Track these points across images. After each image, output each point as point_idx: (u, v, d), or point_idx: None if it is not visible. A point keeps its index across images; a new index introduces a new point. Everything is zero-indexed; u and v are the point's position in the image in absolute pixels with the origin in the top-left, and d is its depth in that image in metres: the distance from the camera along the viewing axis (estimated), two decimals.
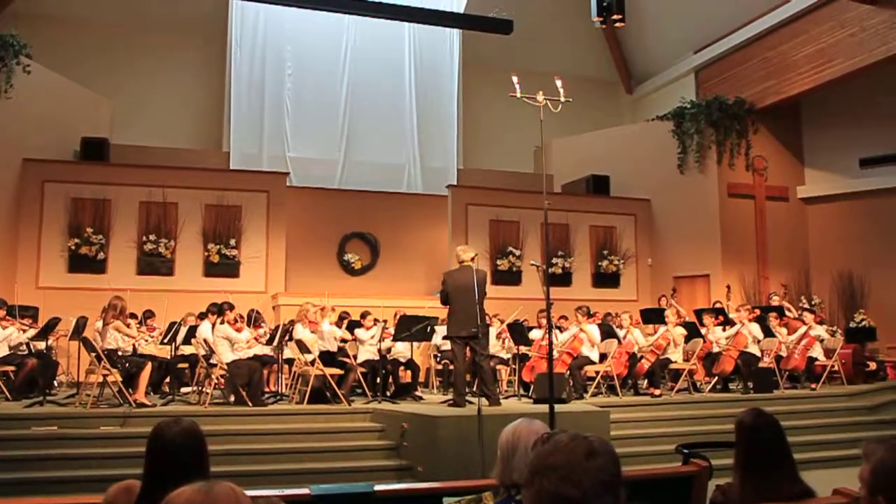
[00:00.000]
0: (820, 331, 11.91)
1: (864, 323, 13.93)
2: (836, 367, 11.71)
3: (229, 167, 15.12)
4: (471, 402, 8.12)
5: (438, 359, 11.86)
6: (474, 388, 8.89)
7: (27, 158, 12.71)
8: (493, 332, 11.05)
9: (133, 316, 10.34)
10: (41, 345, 10.34)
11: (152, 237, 13.03)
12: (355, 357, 10.19)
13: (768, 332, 11.43)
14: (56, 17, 14.72)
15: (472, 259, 8.68)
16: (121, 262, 12.91)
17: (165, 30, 15.66)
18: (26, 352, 10.09)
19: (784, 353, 11.64)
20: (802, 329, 11.76)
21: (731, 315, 11.92)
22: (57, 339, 10.80)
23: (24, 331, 10.05)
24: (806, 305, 13.96)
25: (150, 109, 15.46)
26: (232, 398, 9.32)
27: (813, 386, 11.33)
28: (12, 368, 9.61)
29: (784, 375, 11.40)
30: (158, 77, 15.66)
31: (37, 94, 12.84)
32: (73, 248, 12.64)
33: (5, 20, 13.54)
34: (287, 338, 10.00)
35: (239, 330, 9.57)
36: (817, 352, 11.66)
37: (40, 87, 12.93)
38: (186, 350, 10.50)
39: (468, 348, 8.44)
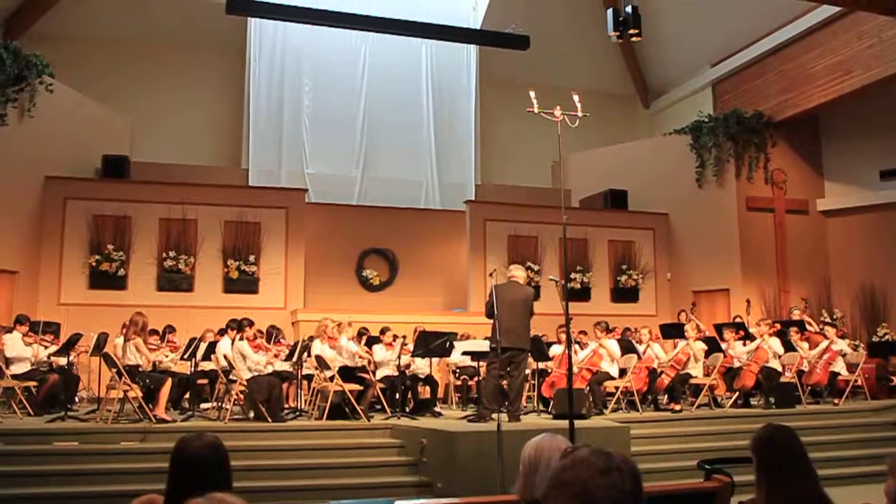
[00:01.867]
0: (842, 345, 11.80)
1: (886, 337, 13.79)
2: (859, 382, 11.59)
3: (248, 184, 15.21)
4: (492, 418, 8.10)
5: (457, 374, 11.84)
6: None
7: (49, 176, 12.85)
8: None
9: (154, 332, 10.41)
10: (63, 361, 10.42)
11: (172, 254, 13.12)
12: (374, 373, 10.19)
13: (789, 347, 11.32)
14: (77, 37, 14.89)
15: (491, 274, 8.77)
16: (141, 279, 12.99)
17: (185, 47, 15.80)
18: (48, 368, 10.17)
19: (806, 368, 11.52)
20: (824, 343, 11.65)
21: (752, 330, 11.83)
22: (78, 354, 10.88)
23: (46, 347, 10.14)
24: (827, 319, 13.85)
25: (169, 127, 15.58)
26: (251, 414, 9.33)
27: (836, 401, 11.21)
28: (34, 384, 9.70)
29: (806, 390, 11.29)
30: (178, 94, 15.79)
31: (59, 113, 12.99)
32: (94, 264, 12.74)
33: (28, 40, 13.70)
34: (306, 354, 10.02)
35: (258, 347, 9.59)
36: (840, 366, 11.54)
37: (62, 105, 13.08)
38: (206, 366, 10.54)
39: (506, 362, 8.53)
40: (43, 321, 10.59)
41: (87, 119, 13.77)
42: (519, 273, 9.00)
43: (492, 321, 8.45)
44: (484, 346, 9.29)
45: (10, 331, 9.88)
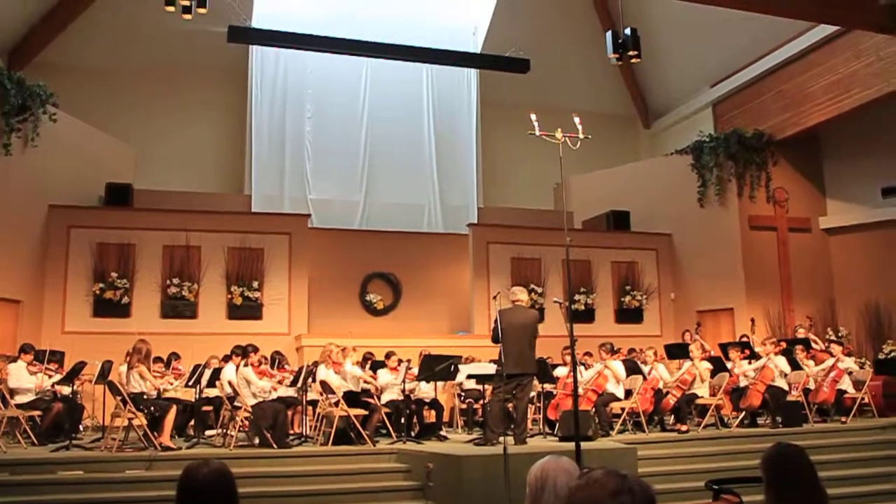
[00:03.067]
0: (848, 362, 11.75)
1: (892, 354, 13.73)
2: (866, 400, 11.53)
3: (251, 210, 15.26)
4: (498, 441, 8.07)
5: (462, 398, 11.80)
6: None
7: (53, 205, 12.90)
8: None
9: (158, 359, 10.39)
10: (67, 389, 10.40)
11: (176, 280, 13.13)
12: (379, 397, 10.16)
13: (795, 365, 11.28)
14: (80, 66, 15.00)
15: (495, 297, 8.79)
16: (145, 306, 13.00)
17: (187, 75, 15.91)
18: (52, 396, 10.15)
19: (812, 386, 11.47)
20: (830, 361, 11.60)
21: (757, 348, 11.78)
22: (82, 383, 10.86)
23: (51, 375, 10.12)
24: (833, 337, 13.80)
25: (172, 154, 15.66)
26: (256, 440, 9.30)
27: (843, 419, 11.15)
28: (39, 413, 9.66)
29: (813, 409, 11.24)
30: (180, 122, 15.90)
31: (62, 142, 13.06)
32: (97, 292, 12.76)
33: (32, 70, 13.83)
34: (311, 379, 10.00)
35: (262, 373, 9.57)
36: (846, 384, 11.48)
37: (66, 134, 13.16)
38: (211, 393, 10.52)
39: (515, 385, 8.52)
40: (47, 350, 10.59)
41: (90, 148, 13.84)
42: (523, 296, 9.02)
43: (498, 346, 8.46)
44: (489, 368, 9.29)
45: (14, 360, 9.87)
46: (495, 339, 8.53)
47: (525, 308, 8.95)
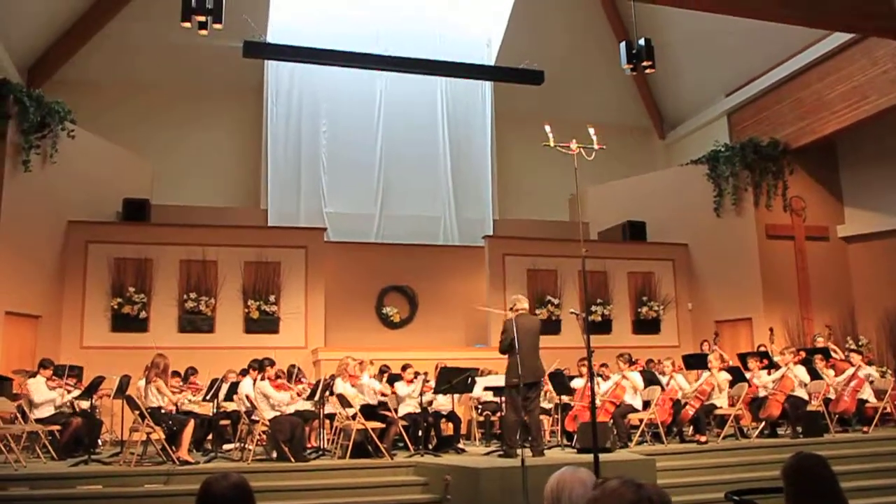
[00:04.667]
0: (869, 371, 11.63)
1: None
2: (888, 409, 11.41)
3: (267, 224, 15.32)
4: (517, 454, 8.05)
5: (480, 410, 11.78)
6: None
7: (72, 220, 13.02)
8: None
9: (176, 374, 10.43)
10: (86, 404, 10.46)
11: (193, 295, 13.19)
12: (396, 410, 10.15)
13: (815, 375, 11.18)
14: (98, 83, 15.16)
15: (512, 308, 8.78)
16: (162, 321, 13.06)
17: (203, 91, 16.05)
18: (71, 411, 10.21)
19: (833, 396, 11.36)
20: (850, 370, 11.49)
21: (776, 358, 11.70)
22: (101, 397, 10.91)
23: (70, 390, 10.18)
24: (852, 346, 13.68)
25: (189, 169, 15.76)
26: (274, 454, 9.31)
27: (865, 429, 11.04)
28: (58, 428, 9.71)
29: (834, 419, 11.13)
30: (197, 137, 16.01)
31: (81, 158, 13.18)
32: (115, 307, 12.84)
33: (51, 87, 13.97)
34: (328, 392, 10.00)
35: (279, 387, 9.58)
36: (867, 393, 11.36)
37: (84, 150, 13.27)
38: (228, 407, 10.54)
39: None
40: (66, 364, 10.65)
41: (107, 163, 13.96)
42: (527, 304, 9.04)
43: (508, 357, 8.45)
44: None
45: (33, 375, 9.94)
46: (506, 350, 8.51)
47: (530, 315, 8.96)
